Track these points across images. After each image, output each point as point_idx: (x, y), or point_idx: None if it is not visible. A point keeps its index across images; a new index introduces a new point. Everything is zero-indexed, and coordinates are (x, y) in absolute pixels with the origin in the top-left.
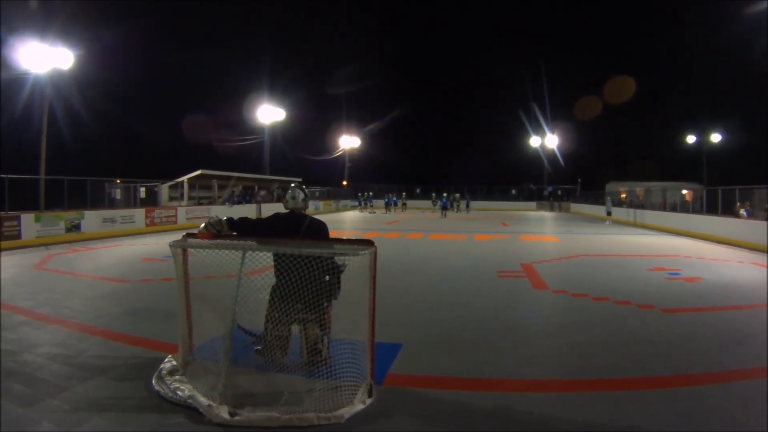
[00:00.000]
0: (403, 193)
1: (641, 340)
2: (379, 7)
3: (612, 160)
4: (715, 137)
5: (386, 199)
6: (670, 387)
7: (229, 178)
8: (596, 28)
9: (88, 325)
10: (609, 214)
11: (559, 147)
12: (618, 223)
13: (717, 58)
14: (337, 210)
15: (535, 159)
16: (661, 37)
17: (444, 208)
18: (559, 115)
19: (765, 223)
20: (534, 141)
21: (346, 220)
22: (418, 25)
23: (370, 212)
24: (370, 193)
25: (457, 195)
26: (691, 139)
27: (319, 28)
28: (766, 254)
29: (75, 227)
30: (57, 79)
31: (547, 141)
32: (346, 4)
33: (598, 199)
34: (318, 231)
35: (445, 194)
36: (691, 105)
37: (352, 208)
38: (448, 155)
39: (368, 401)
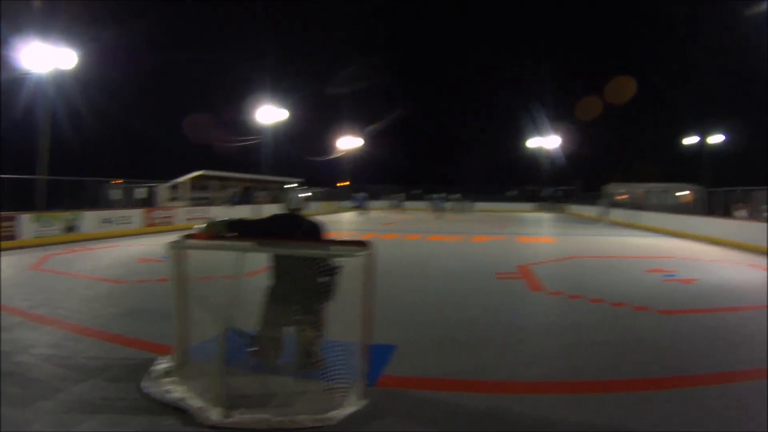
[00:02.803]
0: (402, 194)
1: (638, 342)
2: (379, 7)
3: (615, 161)
4: (714, 139)
5: (355, 199)
6: (669, 388)
7: (229, 178)
8: (598, 29)
9: (83, 326)
10: (604, 215)
11: (560, 148)
12: (616, 224)
13: (721, 59)
14: (336, 211)
15: (536, 160)
16: (664, 37)
17: (439, 209)
18: (561, 116)
19: (763, 224)
20: (534, 142)
21: (344, 222)
22: (418, 24)
23: (360, 213)
24: (362, 194)
25: (459, 195)
26: (690, 140)
27: (320, 28)
28: (764, 256)
29: (73, 228)
30: (59, 79)
31: (547, 142)
32: (346, 4)
33: (596, 200)
34: (315, 232)
35: (443, 195)
36: (694, 106)
37: (352, 209)
38: (449, 156)
39: (361, 403)
